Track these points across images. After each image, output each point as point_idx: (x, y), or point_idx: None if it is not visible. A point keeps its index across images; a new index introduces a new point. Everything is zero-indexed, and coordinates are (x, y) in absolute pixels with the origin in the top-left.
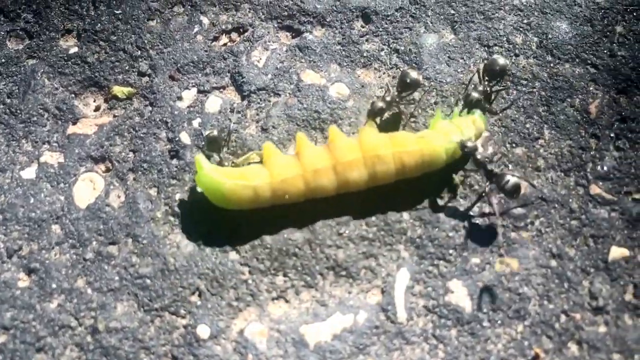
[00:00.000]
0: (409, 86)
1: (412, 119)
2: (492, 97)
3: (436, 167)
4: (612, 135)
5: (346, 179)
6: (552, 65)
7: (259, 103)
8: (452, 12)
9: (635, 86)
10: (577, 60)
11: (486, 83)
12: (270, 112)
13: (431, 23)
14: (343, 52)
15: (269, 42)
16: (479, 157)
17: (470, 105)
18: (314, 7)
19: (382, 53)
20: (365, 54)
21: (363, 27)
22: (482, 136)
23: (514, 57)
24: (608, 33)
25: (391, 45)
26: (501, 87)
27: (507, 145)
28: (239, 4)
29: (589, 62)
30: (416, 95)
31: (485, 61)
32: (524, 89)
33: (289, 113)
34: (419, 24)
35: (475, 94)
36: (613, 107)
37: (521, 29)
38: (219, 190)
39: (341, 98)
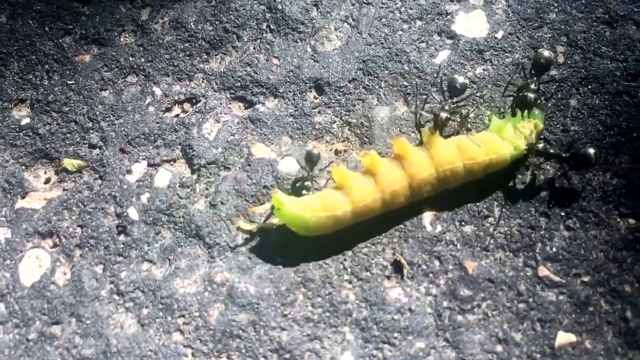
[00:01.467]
0: (459, 90)
1: (468, 120)
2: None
3: (499, 167)
4: (562, 214)
5: (420, 192)
6: None
7: (208, 177)
8: (405, 84)
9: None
10: None
11: (535, 79)
12: (219, 187)
13: (384, 95)
14: (295, 125)
15: (221, 113)
16: (551, 151)
17: (527, 105)
18: (267, 78)
19: (334, 125)
20: (317, 126)
21: (316, 99)
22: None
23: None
24: (562, 107)
25: (343, 118)
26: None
27: (456, 223)
28: (192, 73)
29: (542, 136)
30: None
31: (531, 56)
32: None
33: (238, 188)
34: (371, 95)
35: (531, 95)
36: (564, 184)
37: (474, 102)
38: (303, 223)
39: (290, 173)
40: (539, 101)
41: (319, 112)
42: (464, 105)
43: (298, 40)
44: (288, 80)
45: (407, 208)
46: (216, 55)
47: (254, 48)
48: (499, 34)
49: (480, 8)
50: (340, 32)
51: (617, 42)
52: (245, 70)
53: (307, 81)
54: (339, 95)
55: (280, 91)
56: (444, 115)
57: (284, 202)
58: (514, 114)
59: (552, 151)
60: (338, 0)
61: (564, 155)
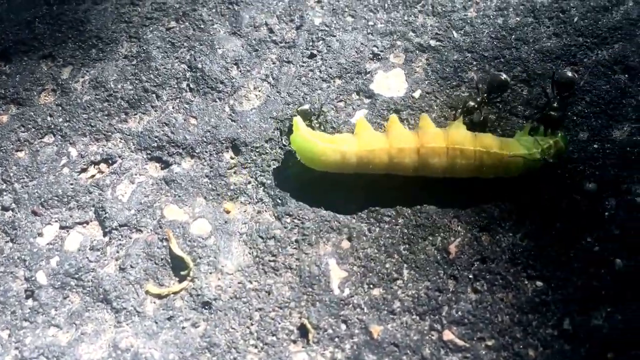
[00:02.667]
0: (498, 88)
1: (498, 123)
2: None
3: (510, 175)
4: (470, 276)
5: (427, 162)
6: (416, 201)
7: (120, 240)
8: None
9: (497, 224)
10: (441, 196)
11: (559, 98)
12: (130, 250)
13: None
14: (210, 185)
15: (136, 174)
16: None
17: (551, 123)
18: (183, 138)
19: (249, 186)
20: (232, 187)
21: (232, 159)
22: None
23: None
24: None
25: (258, 179)
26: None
27: (365, 286)
28: (110, 133)
29: (454, 197)
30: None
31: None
32: (386, 225)
33: (149, 251)
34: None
35: (554, 114)
36: (474, 246)
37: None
38: (310, 150)
39: (202, 235)
40: (561, 120)
41: (234, 172)
42: (496, 105)
43: (217, 100)
44: (205, 140)
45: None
46: (135, 114)
47: (173, 107)
48: (417, 93)
49: (400, 67)
50: (259, 91)
51: (533, 101)
52: (163, 130)
53: (223, 141)
54: (255, 156)
55: (197, 151)
56: (471, 103)
57: (300, 127)
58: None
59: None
60: (259, 59)
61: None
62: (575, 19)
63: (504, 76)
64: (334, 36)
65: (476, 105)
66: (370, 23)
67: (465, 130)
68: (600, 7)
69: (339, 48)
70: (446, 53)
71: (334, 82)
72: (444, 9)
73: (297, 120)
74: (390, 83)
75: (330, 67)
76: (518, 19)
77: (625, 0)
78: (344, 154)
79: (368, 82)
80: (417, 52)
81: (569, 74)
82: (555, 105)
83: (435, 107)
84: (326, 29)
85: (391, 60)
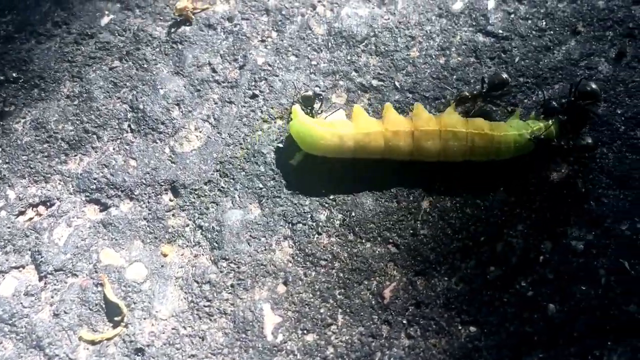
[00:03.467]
0: (498, 86)
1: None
2: (573, 114)
3: (503, 157)
4: (404, 321)
5: (421, 145)
6: (353, 244)
7: (55, 285)
8: (261, 186)
9: (433, 268)
10: (378, 239)
11: (572, 99)
12: (64, 296)
13: (239, 197)
14: (147, 228)
15: (74, 217)
16: (554, 143)
17: (547, 112)
18: (122, 180)
19: (187, 229)
20: (170, 230)
21: (171, 201)
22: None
23: (316, 236)
24: (413, 210)
25: (196, 221)
26: (585, 108)
27: (299, 332)
28: (49, 175)
29: (391, 241)
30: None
31: (581, 81)
32: (322, 269)
33: (83, 297)
34: (226, 198)
35: (554, 103)
36: (409, 290)
37: (327, 204)
38: (309, 134)
39: (137, 280)
40: (560, 114)
41: (173, 215)
42: (493, 102)
43: (157, 141)
44: (144, 182)
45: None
46: (75, 156)
47: (113, 148)
48: None
49: (342, 107)
50: (200, 132)
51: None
52: (102, 172)
53: (162, 183)
54: (194, 198)
55: (136, 193)
56: (465, 93)
57: (298, 114)
58: None
59: (554, 144)
60: (200, 99)
61: (565, 146)
62: (517, 59)
63: (504, 75)
64: (277, 76)
65: (470, 97)
66: (314, 62)
67: (457, 115)
68: (542, 46)
69: (281, 88)
70: (388, 93)
71: (275, 122)
72: (386, 49)
73: (296, 108)
74: None
75: (272, 108)
76: (460, 59)
77: (567, 40)
78: (342, 137)
79: None
80: (359, 92)
81: (593, 85)
82: (563, 100)
83: None
84: (269, 68)
85: (333, 100)
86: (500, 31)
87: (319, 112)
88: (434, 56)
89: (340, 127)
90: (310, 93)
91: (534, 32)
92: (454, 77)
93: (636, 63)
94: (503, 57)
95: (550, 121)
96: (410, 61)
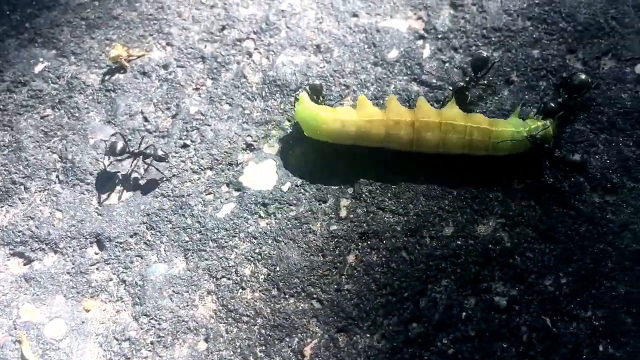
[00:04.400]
0: (481, 66)
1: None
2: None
3: (500, 152)
4: None
5: (421, 136)
6: (276, 300)
7: None
8: (187, 239)
9: (355, 324)
10: (302, 294)
11: (566, 96)
12: None
13: (164, 251)
14: (70, 283)
15: None
16: (546, 146)
17: (546, 113)
18: (47, 233)
19: (111, 283)
20: (93, 284)
21: (96, 254)
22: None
23: (240, 291)
24: (338, 264)
25: (120, 275)
26: (579, 102)
27: None
28: None
29: (315, 296)
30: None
31: (570, 77)
32: (244, 326)
33: (2, 355)
34: (151, 251)
35: (552, 104)
36: (330, 348)
37: (252, 258)
38: (314, 119)
39: (56, 337)
40: (558, 113)
41: (97, 268)
42: (484, 85)
43: (85, 192)
44: (69, 235)
45: None
46: (1, 207)
47: (40, 200)
48: (286, 186)
49: (272, 158)
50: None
51: (401, 195)
52: (27, 224)
53: (88, 236)
54: (119, 251)
55: (60, 247)
56: (460, 83)
57: (305, 100)
58: None
59: (547, 145)
60: (131, 149)
61: (556, 154)
62: None
63: (485, 54)
64: (209, 125)
65: (465, 84)
66: (247, 112)
67: (458, 109)
68: (474, 96)
69: (213, 138)
70: (319, 144)
71: (204, 173)
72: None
73: (303, 95)
74: (261, 175)
75: (202, 158)
76: None
77: (500, 90)
78: (344, 122)
79: (238, 174)
80: (291, 142)
81: (582, 76)
82: (559, 100)
83: (304, 201)
84: (201, 117)
85: (264, 151)
86: (434, 80)
87: (324, 102)
88: None
89: (344, 113)
90: (318, 82)
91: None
92: None
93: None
94: (436, 107)
95: (548, 121)
96: None
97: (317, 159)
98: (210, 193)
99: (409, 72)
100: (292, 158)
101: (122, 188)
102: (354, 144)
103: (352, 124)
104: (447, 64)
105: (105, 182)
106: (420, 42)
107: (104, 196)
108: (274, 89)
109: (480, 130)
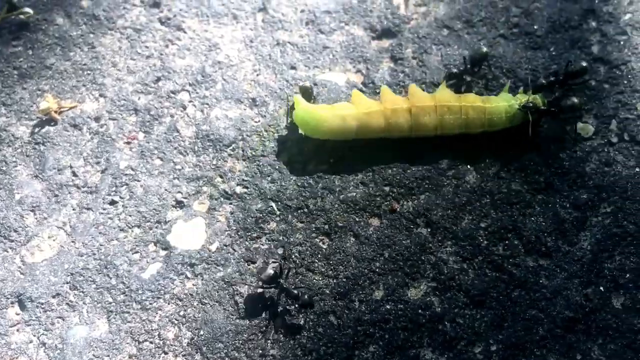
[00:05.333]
0: (479, 60)
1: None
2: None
3: (496, 127)
4: None
5: (419, 121)
6: None
7: None
8: (110, 300)
9: None
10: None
11: (562, 77)
12: None
13: (87, 312)
14: None
15: None
16: (543, 108)
17: (535, 88)
18: None
19: (31, 346)
20: (13, 346)
21: (17, 315)
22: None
23: (162, 355)
24: (264, 328)
25: (40, 338)
26: (576, 84)
27: None
28: None
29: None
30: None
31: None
32: None
33: None
34: (74, 312)
35: (543, 81)
36: None
37: (176, 321)
38: (314, 118)
39: None
40: (548, 90)
41: (17, 330)
42: (479, 77)
43: (8, 250)
44: None
45: None
46: None
47: None
48: (214, 246)
49: (202, 216)
50: (54, 240)
51: (332, 256)
52: None
53: (9, 296)
54: (40, 312)
55: None
56: (453, 70)
57: (300, 102)
58: None
59: (543, 109)
60: (58, 204)
61: (552, 109)
62: (383, 168)
63: (484, 49)
64: (139, 181)
65: (458, 73)
66: (178, 167)
67: (449, 91)
68: (408, 156)
69: (142, 194)
70: (250, 201)
71: (132, 231)
72: (254, 153)
73: (298, 97)
74: (189, 234)
75: (130, 215)
76: (325, 166)
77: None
78: (345, 117)
79: (166, 233)
80: (222, 199)
81: (584, 63)
82: (552, 78)
83: (233, 261)
84: (132, 173)
85: (194, 208)
86: None
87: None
88: (300, 162)
89: (342, 109)
90: (308, 84)
91: (403, 141)
92: (320, 185)
93: (504, 173)
94: (372, 167)
95: (537, 95)
96: (277, 167)
97: (247, 217)
98: (136, 252)
99: None
100: (221, 216)
101: (47, 245)
102: (355, 137)
103: (353, 118)
104: None
105: (30, 239)
106: None
107: (27, 254)
108: (207, 144)
109: (475, 108)
